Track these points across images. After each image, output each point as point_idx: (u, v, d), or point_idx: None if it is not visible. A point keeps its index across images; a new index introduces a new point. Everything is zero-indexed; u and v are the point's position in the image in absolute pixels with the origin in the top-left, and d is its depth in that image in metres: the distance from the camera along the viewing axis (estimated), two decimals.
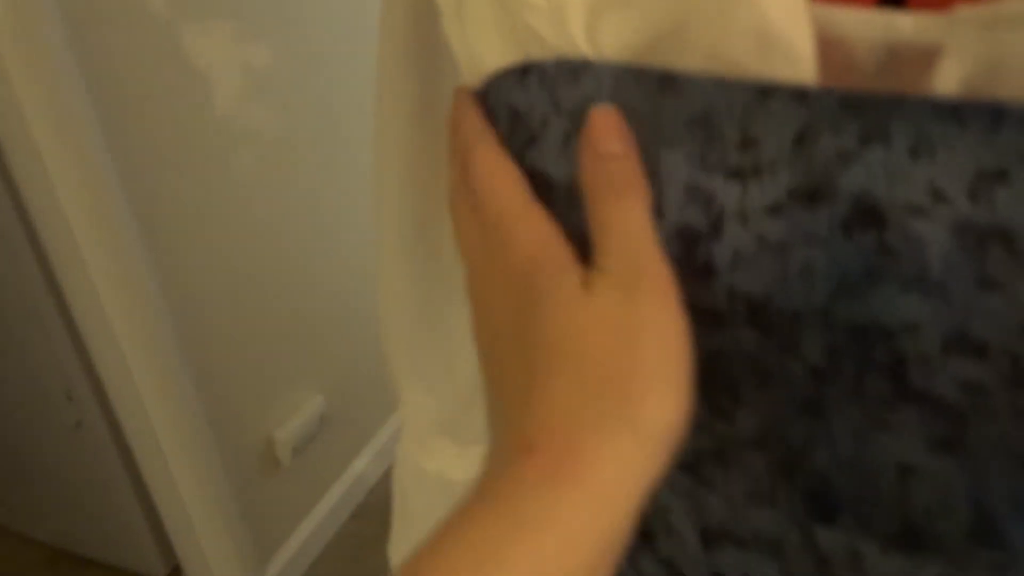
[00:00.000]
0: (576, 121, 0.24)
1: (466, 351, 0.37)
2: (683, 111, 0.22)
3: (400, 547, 0.43)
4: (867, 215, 0.20)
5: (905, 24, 0.21)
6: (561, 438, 0.21)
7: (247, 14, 1.14)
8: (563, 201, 0.24)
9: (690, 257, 0.23)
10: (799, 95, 0.21)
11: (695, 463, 0.28)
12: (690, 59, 0.22)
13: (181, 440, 1.15)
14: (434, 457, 0.39)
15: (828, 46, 0.21)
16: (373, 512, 1.54)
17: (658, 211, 0.23)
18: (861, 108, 0.20)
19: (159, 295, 1.08)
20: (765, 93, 0.21)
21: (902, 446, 0.24)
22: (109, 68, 0.97)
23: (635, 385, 0.21)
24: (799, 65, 0.21)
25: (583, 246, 0.24)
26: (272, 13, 1.18)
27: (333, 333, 1.42)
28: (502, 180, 0.25)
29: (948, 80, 0.20)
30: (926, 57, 0.20)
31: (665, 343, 0.22)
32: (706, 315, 0.24)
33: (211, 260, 1.16)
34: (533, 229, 0.24)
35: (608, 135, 0.23)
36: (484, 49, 0.26)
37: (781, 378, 0.24)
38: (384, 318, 0.38)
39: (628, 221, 0.23)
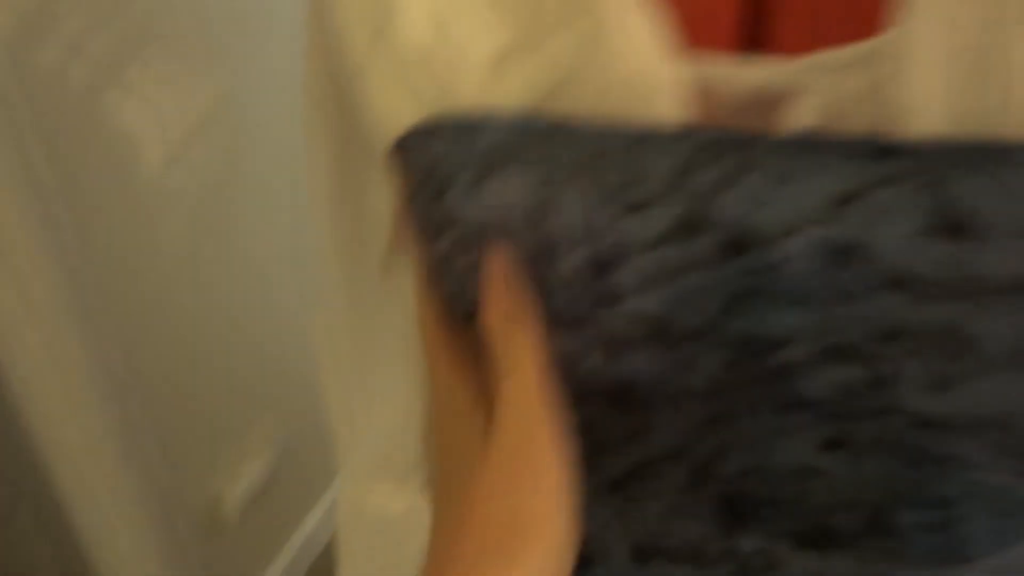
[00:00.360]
0: (482, 168, 0.26)
1: (394, 389, 0.38)
2: (577, 152, 0.24)
3: None
4: (744, 239, 0.23)
5: (766, 69, 0.23)
6: None
7: (172, 75, 1.14)
8: (471, 241, 0.26)
9: (595, 288, 0.25)
10: (676, 135, 0.23)
11: (622, 483, 0.29)
12: (581, 107, 0.24)
13: (120, 501, 1.12)
14: (372, 494, 0.40)
15: (701, 89, 0.24)
16: (326, 573, 1.50)
17: (559, 250, 0.25)
18: (731, 144, 0.23)
19: (93, 359, 1.06)
20: (648, 133, 0.24)
21: (799, 449, 0.26)
22: (35, 140, 0.96)
23: (521, 541, 0.23)
24: (673, 107, 0.23)
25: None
26: (200, 72, 1.19)
27: (279, 388, 1.40)
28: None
29: (805, 116, 0.23)
30: (785, 96, 0.23)
31: (549, 501, 0.24)
32: (615, 340, 0.26)
33: (149, 319, 1.15)
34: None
35: (500, 299, 0.25)
36: (394, 107, 0.28)
37: (687, 393, 0.26)
38: (319, 359, 0.39)
39: (519, 392, 0.25)
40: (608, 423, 0.29)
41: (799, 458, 0.26)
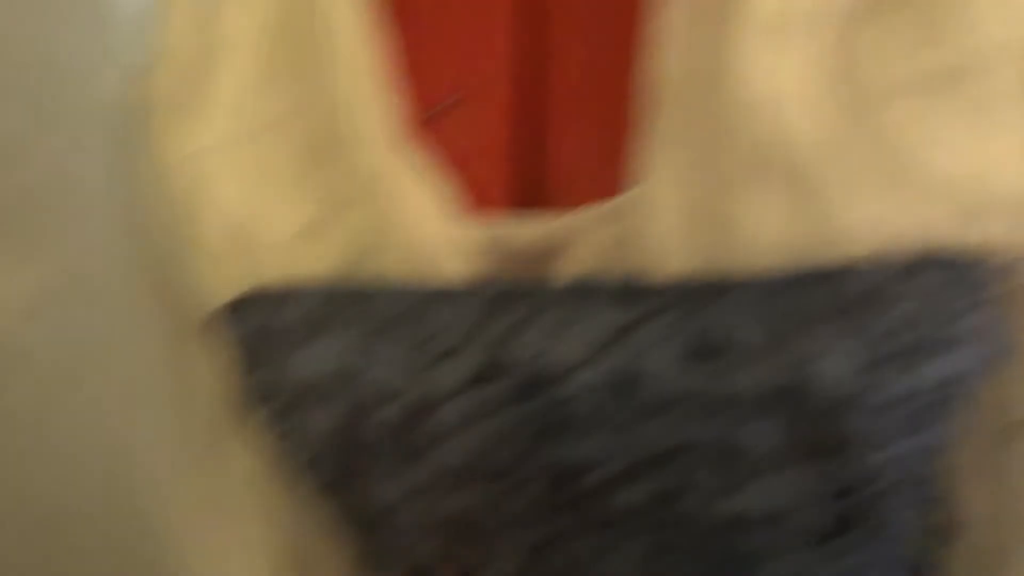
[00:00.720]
0: (296, 336, 0.27)
1: (248, 552, 0.38)
2: (383, 314, 0.26)
3: None
4: (535, 380, 0.25)
5: (539, 226, 0.26)
6: None
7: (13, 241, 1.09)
8: (293, 407, 0.27)
9: (411, 437, 0.26)
10: (470, 290, 0.26)
11: None
12: (383, 272, 0.27)
13: None
14: None
15: (487, 247, 0.27)
16: None
17: (374, 406, 0.26)
18: (516, 294, 0.26)
19: None
20: (443, 291, 0.26)
21: (627, 561, 0.28)
22: None
23: None
24: (463, 266, 0.26)
25: None
26: (43, 236, 1.13)
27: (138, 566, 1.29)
28: None
29: (577, 265, 0.25)
30: (558, 248, 0.26)
31: None
32: (443, 481, 0.27)
33: None
34: None
35: None
36: (207, 287, 0.30)
37: (517, 525, 0.28)
38: (169, 531, 0.39)
39: None
40: (455, 557, 0.30)
41: (631, 569, 0.28)
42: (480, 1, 0.29)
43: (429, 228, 0.26)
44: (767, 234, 0.23)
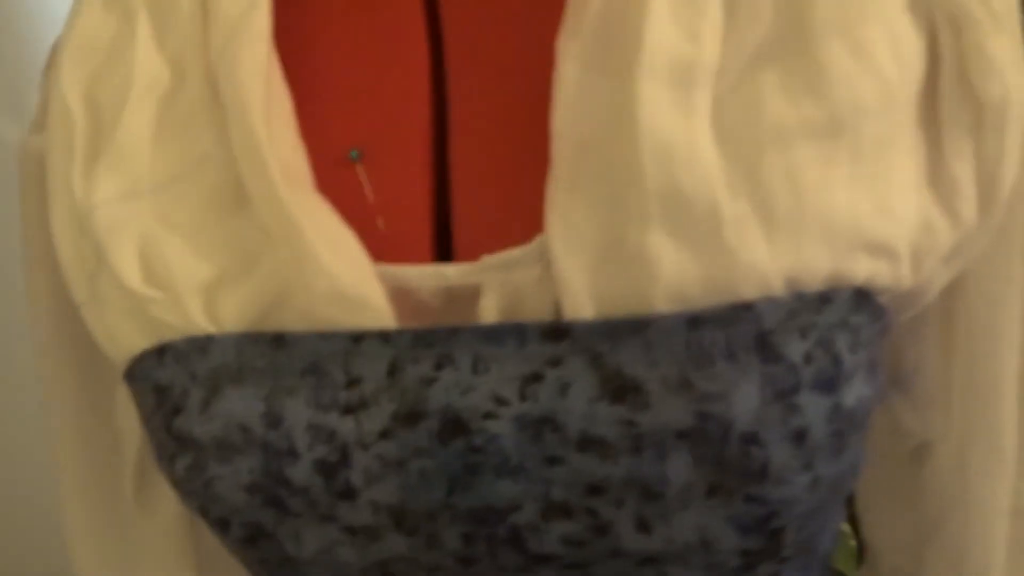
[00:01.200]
0: (209, 388, 0.27)
1: None
2: (296, 363, 0.26)
3: None
4: (453, 424, 0.25)
5: (452, 272, 0.27)
6: None
7: None
8: (206, 461, 0.27)
9: (332, 484, 0.26)
10: (383, 337, 0.26)
11: None
12: (296, 322, 0.26)
13: None
14: None
15: (400, 294, 0.27)
16: None
17: (292, 452, 0.26)
18: (431, 340, 0.26)
19: None
20: (357, 339, 0.26)
21: None
22: None
23: None
24: (377, 314, 0.26)
25: None
26: None
27: None
28: None
29: (489, 310, 0.26)
30: (473, 295, 0.26)
31: None
32: (363, 531, 0.27)
33: None
34: None
35: None
36: (122, 336, 0.29)
37: (440, 569, 0.28)
38: None
39: None
40: None
41: None
42: (396, 52, 0.30)
43: (343, 277, 0.26)
44: (672, 275, 0.24)
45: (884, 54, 0.25)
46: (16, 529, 1.17)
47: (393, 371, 0.26)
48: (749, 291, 0.24)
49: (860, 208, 0.25)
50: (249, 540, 0.28)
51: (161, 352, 0.28)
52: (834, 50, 0.25)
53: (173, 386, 0.27)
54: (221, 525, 0.28)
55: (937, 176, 0.26)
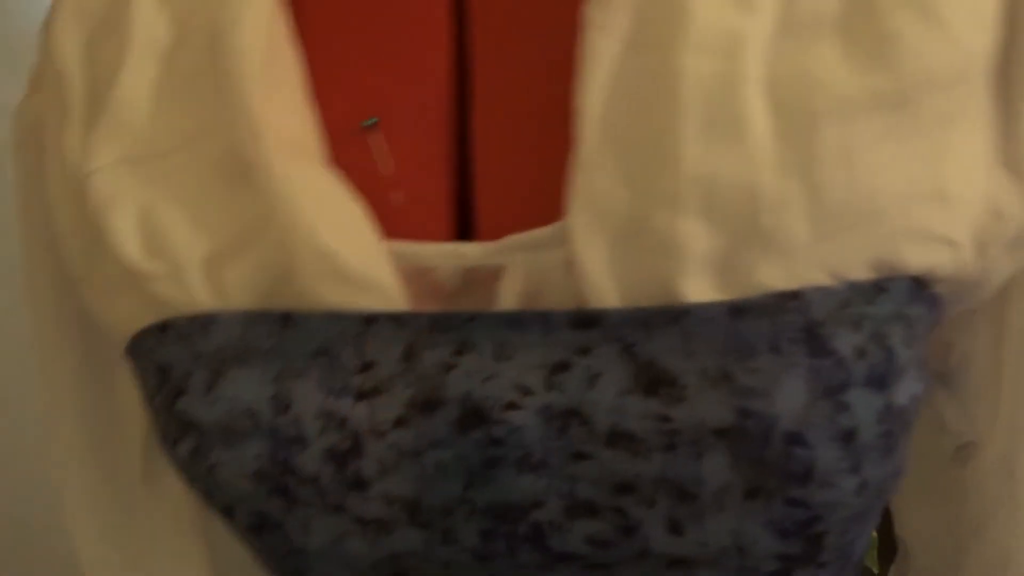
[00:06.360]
0: (214, 368, 0.25)
1: None
2: (306, 344, 0.25)
3: None
4: (473, 414, 0.24)
5: (472, 251, 0.25)
6: None
7: None
8: (212, 444, 0.25)
9: (343, 474, 0.25)
10: (398, 319, 0.24)
11: None
12: (303, 301, 0.25)
13: None
14: None
15: (415, 273, 0.25)
16: None
17: (301, 438, 0.24)
18: (449, 325, 0.24)
19: None
20: (370, 320, 0.24)
21: None
22: None
23: None
24: (386, 294, 0.24)
25: None
26: None
27: None
28: None
29: (509, 294, 0.24)
30: (493, 277, 0.24)
31: None
32: (374, 524, 0.26)
33: None
34: None
35: None
36: (122, 312, 0.27)
37: (455, 565, 0.26)
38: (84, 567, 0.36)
39: None
40: None
41: None
42: (415, 19, 0.28)
43: (352, 254, 0.24)
44: (702, 261, 0.22)
45: (960, 21, 0.23)
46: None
47: (409, 356, 0.24)
48: (788, 281, 0.22)
49: (916, 191, 0.23)
50: (255, 529, 0.27)
51: (163, 329, 0.26)
52: (904, 16, 0.22)
53: (175, 366, 0.26)
54: (226, 512, 0.26)
55: (1010, 155, 0.24)
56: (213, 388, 0.25)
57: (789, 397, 0.22)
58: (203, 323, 0.25)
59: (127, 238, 0.26)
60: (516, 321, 0.24)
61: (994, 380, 0.30)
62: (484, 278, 0.25)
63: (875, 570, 0.68)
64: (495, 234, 0.25)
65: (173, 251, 0.25)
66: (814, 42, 0.23)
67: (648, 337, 0.23)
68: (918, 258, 0.23)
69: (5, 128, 0.32)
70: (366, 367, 0.24)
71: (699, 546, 0.24)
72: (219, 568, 0.37)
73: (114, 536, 0.36)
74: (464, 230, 0.27)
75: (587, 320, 0.23)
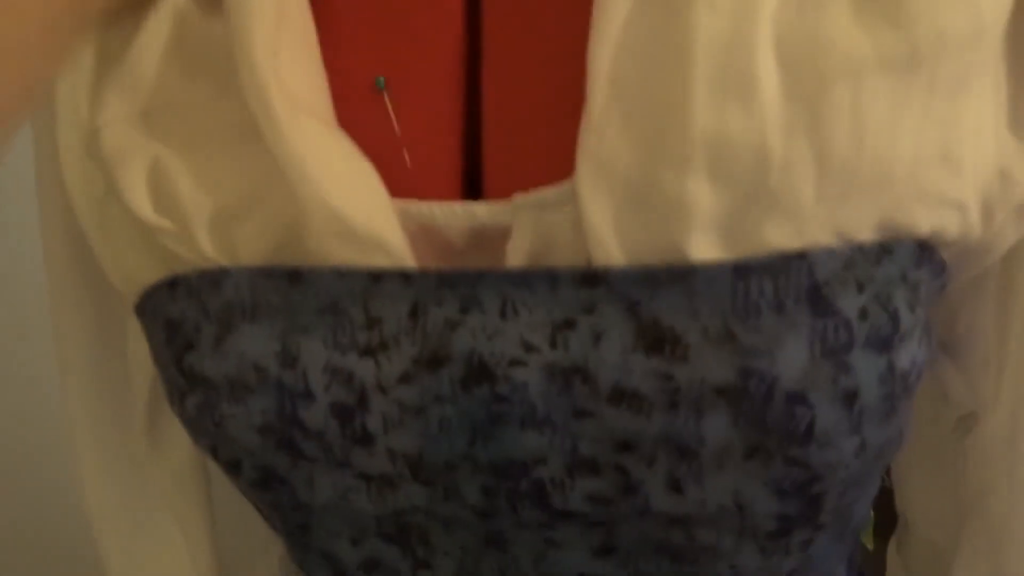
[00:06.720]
0: (222, 323, 0.25)
1: (173, 542, 0.36)
2: (313, 301, 0.25)
3: None
4: (478, 371, 0.24)
5: (480, 211, 0.25)
6: None
7: None
8: (219, 398, 0.25)
9: (348, 429, 0.25)
10: (405, 277, 0.24)
11: None
12: (311, 259, 0.25)
13: None
14: None
15: (424, 232, 0.25)
16: None
17: (308, 393, 0.25)
18: (456, 282, 0.24)
19: None
20: (377, 278, 0.24)
21: (574, 558, 0.27)
22: None
23: None
24: (393, 253, 0.24)
25: None
26: None
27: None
28: None
29: (517, 252, 0.24)
30: (501, 236, 0.24)
31: None
32: (379, 479, 0.26)
33: None
34: None
35: None
36: (131, 267, 0.28)
37: (458, 521, 0.27)
38: (92, 521, 0.37)
39: None
40: (391, 559, 0.28)
41: (576, 566, 0.27)
42: None
43: (359, 212, 0.24)
44: (709, 222, 0.22)
45: None
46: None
47: (415, 313, 0.24)
48: (793, 241, 0.22)
49: (924, 154, 0.23)
50: (261, 483, 0.27)
51: (172, 285, 0.26)
52: None
53: (185, 321, 0.26)
54: (232, 467, 0.27)
55: (1020, 120, 0.24)
56: (221, 343, 0.25)
57: (791, 357, 0.22)
58: (212, 279, 0.26)
59: (138, 194, 0.26)
60: (522, 279, 0.24)
61: (998, 351, 0.30)
62: (492, 237, 0.25)
63: (870, 547, 0.68)
64: (503, 193, 0.25)
65: (183, 207, 0.26)
66: (826, 2, 0.22)
67: (653, 296, 0.23)
68: (925, 221, 0.23)
69: None
70: (372, 324, 0.24)
71: (699, 505, 0.25)
72: (211, 536, 0.37)
73: (118, 490, 0.36)
74: (472, 189, 0.27)
75: (593, 278, 0.23)
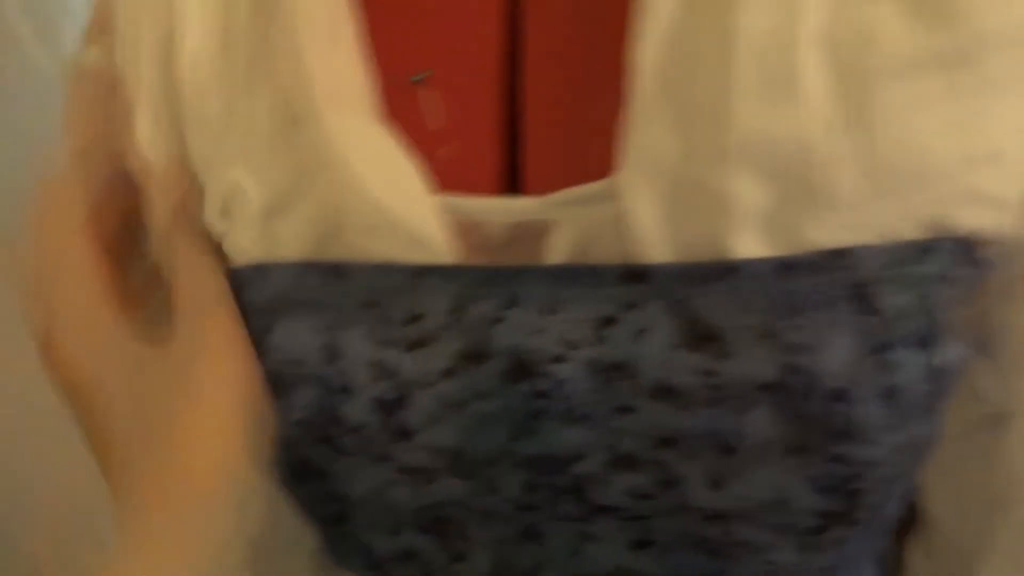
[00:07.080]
0: (267, 317, 0.26)
1: None
2: (356, 295, 0.25)
3: None
4: (519, 367, 0.24)
5: (521, 206, 0.25)
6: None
7: None
8: (263, 389, 0.26)
9: (389, 424, 0.25)
10: (446, 272, 0.24)
11: None
12: (352, 254, 0.25)
13: None
14: None
15: (463, 228, 0.25)
16: None
17: (349, 388, 0.25)
18: (497, 279, 0.24)
19: None
20: (419, 273, 0.25)
21: (611, 552, 0.27)
22: None
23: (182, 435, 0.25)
24: (434, 248, 0.24)
25: None
26: None
27: None
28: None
29: (558, 249, 0.24)
30: (542, 231, 0.25)
31: (216, 395, 0.25)
32: (417, 472, 0.26)
33: None
34: None
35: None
36: None
37: (496, 515, 0.27)
38: None
39: (195, 282, 0.26)
40: (428, 551, 0.29)
41: (613, 560, 0.27)
42: None
43: (402, 206, 0.24)
44: (753, 218, 0.23)
45: None
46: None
47: (457, 309, 0.24)
48: (837, 239, 0.23)
49: (972, 153, 0.23)
50: (299, 476, 0.28)
51: None
52: None
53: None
54: (278, 462, 0.27)
55: None
56: (264, 338, 0.26)
57: (835, 354, 0.22)
58: (255, 273, 0.26)
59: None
60: (564, 275, 0.24)
61: None
62: (533, 233, 0.25)
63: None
64: (544, 189, 0.25)
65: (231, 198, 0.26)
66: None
67: (696, 292, 0.23)
68: (969, 219, 0.23)
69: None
70: (414, 319, 0.25)
71: (738, 501, 0.25)
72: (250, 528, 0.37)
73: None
74: (513, 184, 0.27)
75: (636, 274, 0.23)
